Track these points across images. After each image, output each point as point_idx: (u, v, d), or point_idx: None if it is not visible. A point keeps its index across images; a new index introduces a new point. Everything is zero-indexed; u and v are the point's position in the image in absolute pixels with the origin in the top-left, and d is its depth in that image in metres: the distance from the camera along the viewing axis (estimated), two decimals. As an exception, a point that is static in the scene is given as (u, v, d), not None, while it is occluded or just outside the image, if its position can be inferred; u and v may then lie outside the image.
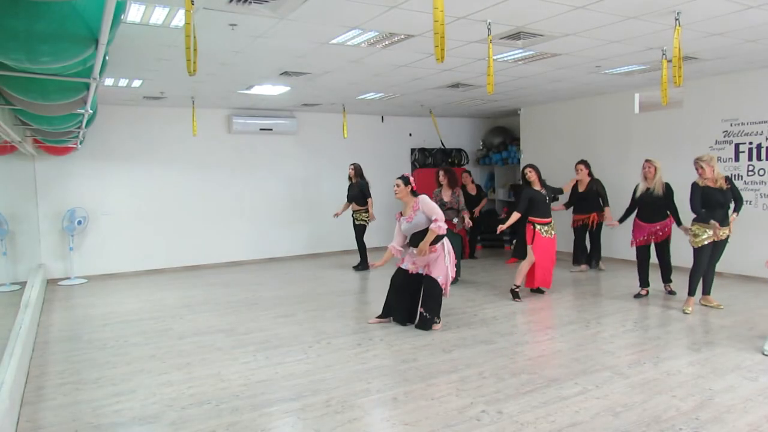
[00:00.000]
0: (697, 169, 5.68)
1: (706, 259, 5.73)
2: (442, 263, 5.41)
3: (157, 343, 5.28)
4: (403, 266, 5.55)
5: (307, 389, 4.00)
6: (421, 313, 5.50)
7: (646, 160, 6.46)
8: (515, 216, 6.52)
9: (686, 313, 5.78)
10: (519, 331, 5.46)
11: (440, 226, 5.19)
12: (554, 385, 3.97)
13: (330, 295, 7.36)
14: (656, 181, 6.31)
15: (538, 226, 6.55)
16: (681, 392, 3.80)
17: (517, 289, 6.65)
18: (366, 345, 5.05)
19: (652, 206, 6.35)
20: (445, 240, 5.46)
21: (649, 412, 3.50)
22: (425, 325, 5.46)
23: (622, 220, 6.72)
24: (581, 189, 8.21)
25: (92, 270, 8.91)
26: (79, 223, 8.54)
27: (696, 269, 5.78)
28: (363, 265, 9.01)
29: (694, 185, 5.72)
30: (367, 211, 8.88)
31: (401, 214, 5.51)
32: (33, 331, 5.49)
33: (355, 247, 9.18)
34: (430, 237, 5.22)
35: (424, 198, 5.38)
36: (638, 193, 6.41)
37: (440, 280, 5.39)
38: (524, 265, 6.63)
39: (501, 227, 6.49)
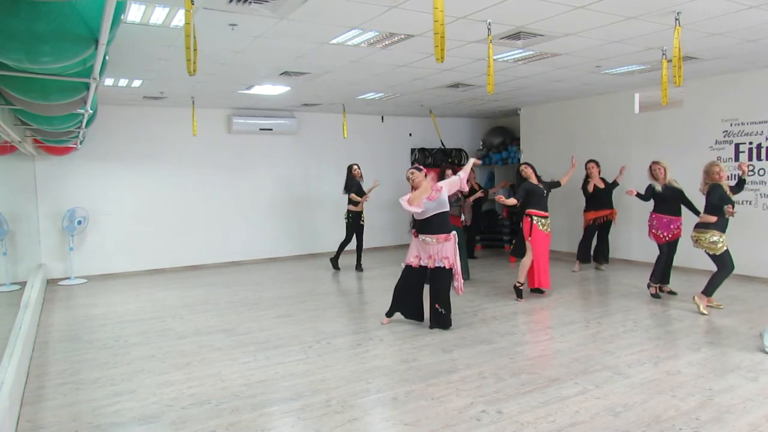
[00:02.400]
0: (717, 172, 5.62)
1: (731, 262, 5.69)
2: (454, 252, 5.37)
3: (157, 343, 5.28)
4: (415, 263, 5.43)
5: (307, 389, 4.00)
6: (436, 309, 5.43)
7: (654, 162, 6.45)
8: (512, 201, 6.52)
9: (704, 314, 5.74)
10: (519, 331, 5.46)
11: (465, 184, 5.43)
12: (554, 385, 3.97)
13: (330, 295, 7.36)
14: (669, 179, 6.36)
15: (536, 219, 6.54)
16: (681, 392, 3.80)
17: (520, 287, 6.66)
18: (366, 345, 5.05)
19: (674, 200, 6.34)
20: (455, 234, 5.45)
21: (649, 412, 3.50)
22: (444, 321, 5.43)
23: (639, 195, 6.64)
24: (601, 186, 8.24)
25: (92, 270, 8.91)
26: (79, 223, 8.54)
27: (722, 274, 5.71)
28: (361, 266, 9.02)
29: (718, 186, 5.63)
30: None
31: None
32: (33, 331, 5.49)
33: (351, 247, 9.18)
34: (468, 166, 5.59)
35: (450, 178, 5.46)
36: (659, 189, 6.36)
37: (454, 269, 5.38)
38: (526, 261, 6.62)
39: (499, 197, 6.43)
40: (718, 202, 5.57)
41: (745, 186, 6.09)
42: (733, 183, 5.93)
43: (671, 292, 6.68)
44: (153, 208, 9.35)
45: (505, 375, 4.19)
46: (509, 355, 4.65)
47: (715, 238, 5.64)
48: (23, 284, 7.33)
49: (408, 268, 5.51)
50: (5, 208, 8.17)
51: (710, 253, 5.72)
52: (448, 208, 5.39)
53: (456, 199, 8.24)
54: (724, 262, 5.70)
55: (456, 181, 5.40)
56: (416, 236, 5.43)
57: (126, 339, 5.44)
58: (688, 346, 4.83)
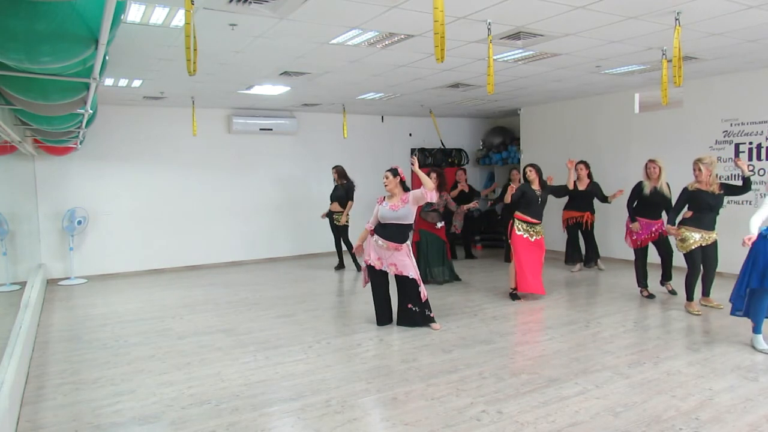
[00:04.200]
0: (694, 170, 5.64)
1: (698, 262, 5.71)
2: (408, 261, 5.42)
3: (157, 343, 5.28)
4: (367, 261, 5.52)
5: (307, 389, 4.00)
6: (409, 308, 5.48)
7: (650, 160, 6.44)
8: (507, 195, 6.60)
9: (697, 314, 5.75)
10: (519, 331, 5.46)
11: (431, 194, 5.17)
12: (554, 385, 3.97)
13: (330, 295, 7.37)
14: (662, 181, 6.32)
15: (517, 222, 6.50)
16: (681, 392, 3.80)
17: (514, 291, 6.67)
18: (366, 345, 5.05)
19: (659, 205, 6.36)
20: (408, 245, 5.47)
21: (649, 412, 3.50)
22: (418, 319, 5.46)
23: (632, 218, 6.58)
24: (581, 187, 8.19)
25: (92, 270, 8.91)
26: (79, 223, 8.54)
27: (690, 274, 5.78)
28: (357, 267, 9.00)
29: (684, 190, 5.72)
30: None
31: (384, 199, 5.49)
32: (33, 331, 5.49)
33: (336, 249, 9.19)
34: (424, 177, 5.22)
35: (414, 191, 5.33)
36: (646, 191, 6.37)
37: (413, 275, 5.40)
38: (512, 267, 6.65)
39: (512, 187, 6.62)
40: (678, 206, 5.76)
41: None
42: (739, 182, 5.78)
43: (672, 292, 6.68)
44: (153, 208, 9.35)
45: (505, 375, 4.19)
46: (509, 355, 4.65)
47: (684, 235, 5.66)
48: (23, 284, 7.33)
49: (369, 268, 5.55)
50: (5, 208, 8.16)
51: (679, 250, 5.77)
52: (408, 222, 5.38)
53: (427, 204, 8.04)
54: (690, 263, 5.73)
55: (419, 195, 5.24)
56: (372, 234, 5.50)
57: (126, 339, 5.44)
58: (688, 346, 4.83)
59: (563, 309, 6.23)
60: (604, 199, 8.12)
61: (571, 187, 6.95)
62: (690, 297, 5.85)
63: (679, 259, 6.72)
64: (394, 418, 3.53)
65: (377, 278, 5.56)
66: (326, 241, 10.60)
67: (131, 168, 9.19)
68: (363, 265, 5.65)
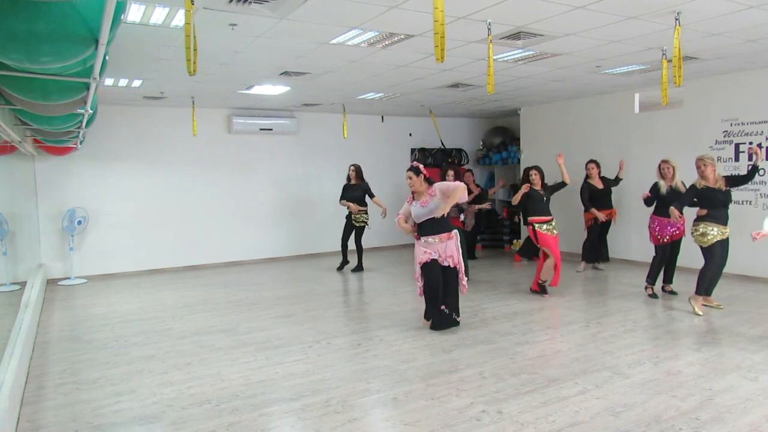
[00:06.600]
0: (699, 167, 5.65)
1: (718, 257, 5.67)
2: (458, 252, 5.35)
3: (157, 343, 5.28)
4: (427, 258, 5.27)
5: (307, 389, 4.00)
6: (441, 310, 5.39)
7: (664, 161, 6.45)
8: (516, 198, 6.73)
9: (698, 314, 5.71)
10: (519, 331, 5.46)
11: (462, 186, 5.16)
12: (554, 385, 3.97)
13: (330, 295, 7.36)
14: (676, 181, 6.35)
15: (537, 225, 6.66)
16: (681, 392, 3.80)
17: (544, 283, 6.83)
18: (366, 345, 5.05)
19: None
20: (456, 232, 5.43)
21: (649, 412, 3.50)
22: (446, 322, 5.39)
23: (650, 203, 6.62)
24: (600, 187, 8.22)
25: (92, 270, 8.91)
26: (79, 223, 8.54)
27: (708, 268, 5.70)
28: (360, 267, 8.99)
29: (692, 187, 5.75)
30: (366, 212, 8.88)
31: (413, 198, 5.41)
32: (33, 331, 5.49)
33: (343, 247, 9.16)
34: (455, 191, 5.12)
35: (440, 184, 5.30)
36: (663, 191, 6.36)
37: (460, 268, 5.36)
38: (550, 263, 6.72)
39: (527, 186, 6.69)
40: (683, 200, 5.81)
41: (744, 189, 6.03)
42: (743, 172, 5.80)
43: (672, 292, 6.68)
44: (153, 208, 9.35)
45: (505, 375, 4.19)
46: (509, 355, 4.65)
47: (703, 230, 5.67)
48: (23, 284, 7.33)
49: (424, 266, 5.32)
50: (5, 208, 8.16)
51: (699, 245, 5.75)
52: (438, 214, 5.25)
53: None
54: (709, 255, 5.70)
55: (446, 189, 5.18)
56: (418, 239, 5.40)
57: (126, 339, 5.44)
58: (688, 346, 4.83)
59: (563, 309, 6.23)
60: (618, 181, 8.21)
61: (568, 182, 6.95)
62: (699, 291, 5.76)
63: (682, 261, 6.75)
64: (394, 418, 3.53)
65: (433, 273, 5.31)
66: (326, 241, 10.64)
67: (131, 168, 9.19)
68: (417, 269, 5.37)
